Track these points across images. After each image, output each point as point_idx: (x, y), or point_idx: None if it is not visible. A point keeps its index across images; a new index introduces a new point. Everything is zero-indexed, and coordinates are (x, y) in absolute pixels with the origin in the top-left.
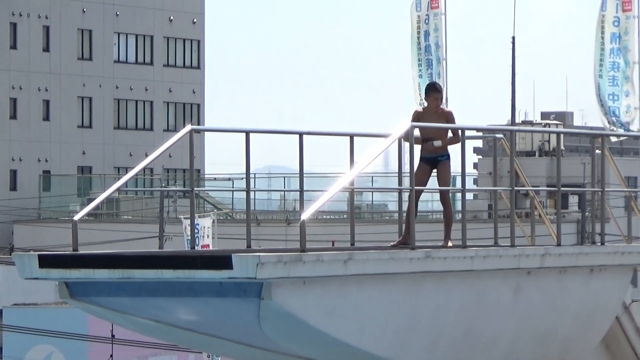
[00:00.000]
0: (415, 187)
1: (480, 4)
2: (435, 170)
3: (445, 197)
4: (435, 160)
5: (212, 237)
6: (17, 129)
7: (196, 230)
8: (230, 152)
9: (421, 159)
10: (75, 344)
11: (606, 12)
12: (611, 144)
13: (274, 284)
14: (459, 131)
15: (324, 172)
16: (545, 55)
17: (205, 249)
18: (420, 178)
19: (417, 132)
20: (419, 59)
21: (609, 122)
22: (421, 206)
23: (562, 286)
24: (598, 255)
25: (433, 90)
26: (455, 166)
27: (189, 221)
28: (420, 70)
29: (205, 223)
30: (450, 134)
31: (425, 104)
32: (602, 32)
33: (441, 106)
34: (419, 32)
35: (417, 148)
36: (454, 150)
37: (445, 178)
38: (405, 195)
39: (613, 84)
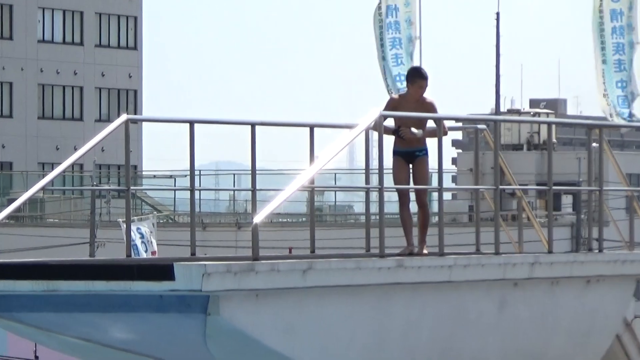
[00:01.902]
0: (397, 187)
1: None
2: (411, 166)
3: (422, 198)
4: (411, 155)
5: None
6: None
7: (141, 236)
8: (172, 146)
9: (395, 152)
10: None
11: None
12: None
13: (222, 297)
14: (442, 122)
15: (280, 169)
16: (535, 34)
17: (154, 256)
18: (401, 176)
19: (390, 123)
20: (381, 39)
21: (617, 114)
22: (394, 208)
23: (554, 300)
24: (595, 264)
25: (418, 77)
26: (431, 161)
27: (134, 225)
28: (383, 51)
29: (146, 227)
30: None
31: (404, 91)
32: (601, 10)
33: (424, 95)
34: (380, 8)
35: (391, 139)
36: (430, 143)
37: (423, 176)
38: (374, 195)
39: (620, 69)
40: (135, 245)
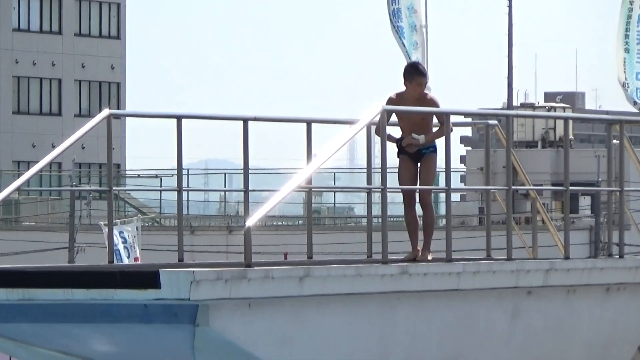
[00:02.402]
0: (401, 187)
1: None
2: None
3: (425, 198)
4: (418, 153)
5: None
6: None
7: (123, 240)
8: (158, 144)
9: (401, 151)
10: None
11: None
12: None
13: (212, 306)
14: (446, 119)
15: (274, 168)
16: (550, 22)
17: (137, 262)
18: (406, 176)
19: (393, 120)
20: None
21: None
22: (398, 210)
23: (570, 309)
24: (616, 270)
25: (416, 74)
26: (439, 160)
27: (117, 229)
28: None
29: (129, 230)
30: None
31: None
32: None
33: (424, 91)
34: None
35: (394, 137)
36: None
37: (428, 175)
38: (376, 196)
39: None
40: (118, 250)
